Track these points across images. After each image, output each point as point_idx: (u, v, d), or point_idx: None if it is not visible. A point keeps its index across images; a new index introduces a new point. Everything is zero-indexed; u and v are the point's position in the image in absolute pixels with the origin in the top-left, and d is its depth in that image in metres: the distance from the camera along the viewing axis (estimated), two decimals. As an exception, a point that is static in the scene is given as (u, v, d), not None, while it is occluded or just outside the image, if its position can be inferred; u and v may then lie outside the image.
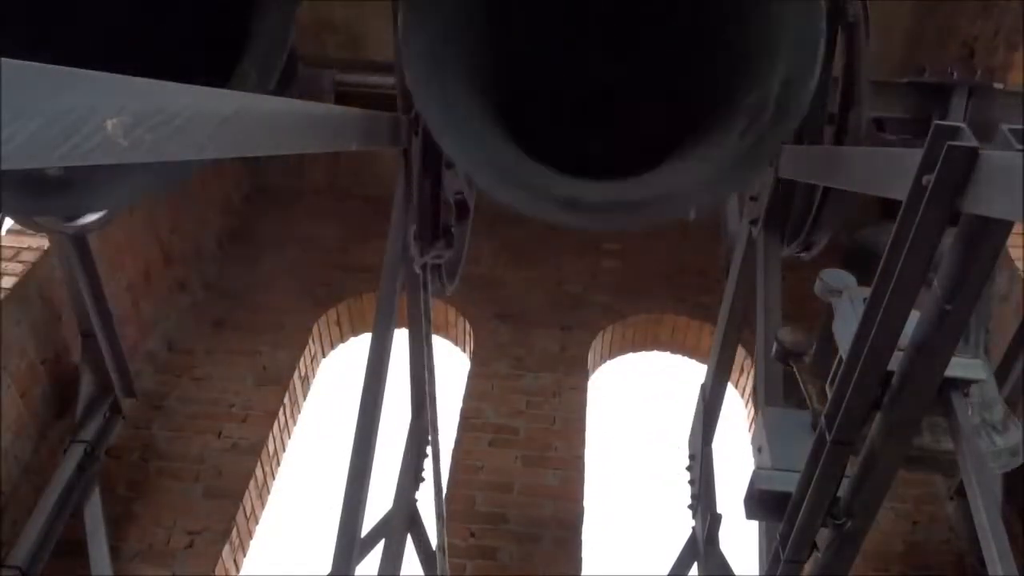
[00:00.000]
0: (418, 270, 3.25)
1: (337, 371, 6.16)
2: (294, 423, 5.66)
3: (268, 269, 6.07)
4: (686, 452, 4.32)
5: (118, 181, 2.36)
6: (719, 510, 4.07)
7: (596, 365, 6.04)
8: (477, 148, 2.47)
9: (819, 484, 1.90)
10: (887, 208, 3.00)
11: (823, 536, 2.02)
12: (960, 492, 4.36)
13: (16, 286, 4.33)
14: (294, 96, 2.99)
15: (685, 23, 2.62)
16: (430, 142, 3.08)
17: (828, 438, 1.83)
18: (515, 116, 2.58)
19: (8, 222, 3.53)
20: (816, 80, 2.27)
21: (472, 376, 5.61)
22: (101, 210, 2.98)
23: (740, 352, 5.06)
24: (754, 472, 2.14)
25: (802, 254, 3.36)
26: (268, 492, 5.28)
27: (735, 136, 2.32)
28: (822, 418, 1.86)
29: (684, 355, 6.22)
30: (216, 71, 2.29)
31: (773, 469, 2.12)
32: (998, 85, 3.40)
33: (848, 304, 2.00)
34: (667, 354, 6.18)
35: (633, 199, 2.47)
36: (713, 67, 2.55)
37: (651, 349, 6.28)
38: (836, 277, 2.11)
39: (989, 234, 1.39)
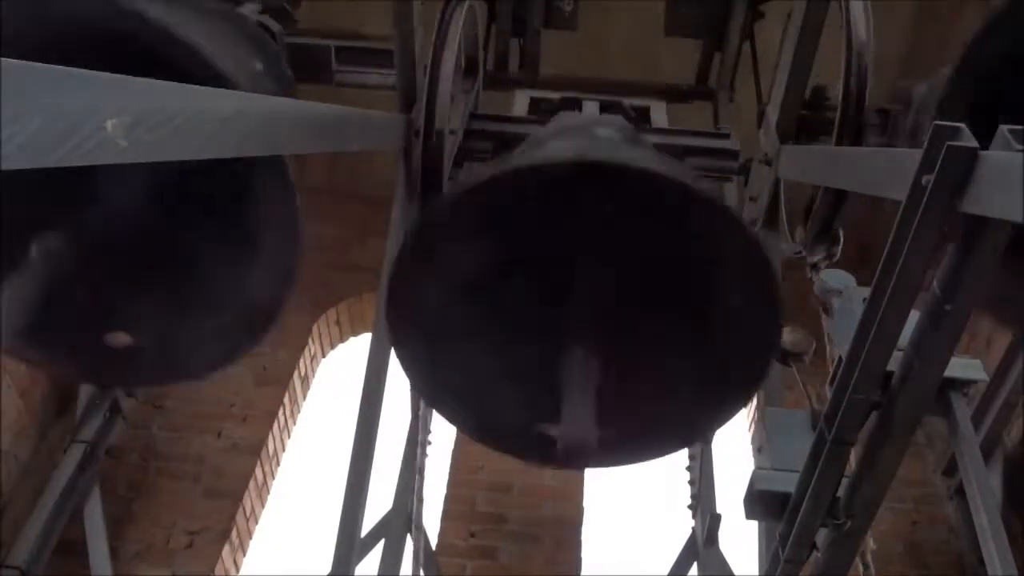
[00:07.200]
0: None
1: (337, 371, 6.16)
2: (294, 423, 5.66)
3: (268, 269, 6.05)
4: (686, 452, 4.31)
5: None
6: (719, 510, 4.07)
7: (596, 365, 6.02)
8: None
9: (819, 484, 1.90)
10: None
11: (823, 536, 2.02)
12: (960, 492, 4.36)
13: (16, 286, 4.32)
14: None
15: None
16: (430, 144, 3.09)
17: (828, 438, 1.83)
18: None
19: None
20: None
21: (472, 376, 5.59)
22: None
23: (740, 352, 5.06)
24: (754, 472, 2.14)
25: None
26: (268, 492, 5.27)
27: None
28: (822, 418, 1.86)
29: (684, 355, 6.20)
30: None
31: (773, 469, 2.12)
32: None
33: (848, 304, 2.01)
34: (667, 354, 6.16)
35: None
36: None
37: (651, 349, 6.25)
38: (836, 277, 2.11)
39: (989, 234, 1.39)
